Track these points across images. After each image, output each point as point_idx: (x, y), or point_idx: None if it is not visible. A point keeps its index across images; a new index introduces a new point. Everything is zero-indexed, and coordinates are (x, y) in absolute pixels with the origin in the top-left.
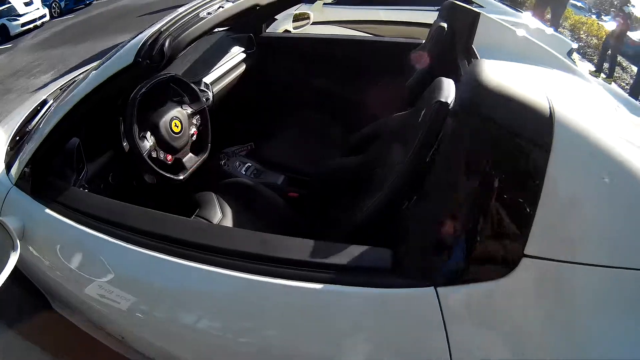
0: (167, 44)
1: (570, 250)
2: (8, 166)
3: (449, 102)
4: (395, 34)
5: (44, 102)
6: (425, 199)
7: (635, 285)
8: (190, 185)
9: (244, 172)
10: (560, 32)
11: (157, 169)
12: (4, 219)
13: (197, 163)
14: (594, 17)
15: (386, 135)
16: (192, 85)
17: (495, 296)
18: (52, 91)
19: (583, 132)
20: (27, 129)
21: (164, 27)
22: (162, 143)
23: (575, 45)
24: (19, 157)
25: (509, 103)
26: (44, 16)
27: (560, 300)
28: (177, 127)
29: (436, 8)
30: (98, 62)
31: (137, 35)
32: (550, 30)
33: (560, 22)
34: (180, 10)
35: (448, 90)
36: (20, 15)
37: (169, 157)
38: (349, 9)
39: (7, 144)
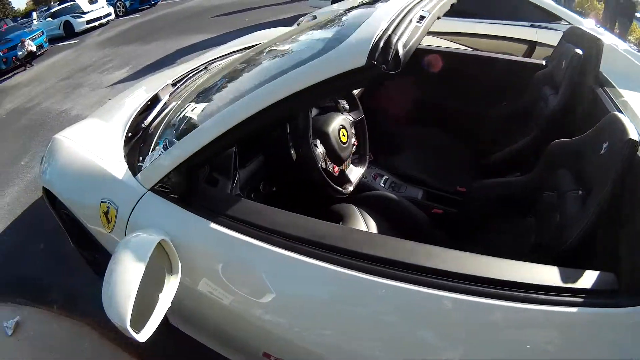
0: (401, 49)
1: None
2: (132, 166)
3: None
4: (492, 48)
5: (156, 99)
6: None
7: None
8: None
9: (382, 185)
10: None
11: (329, 181)
12: (164, 238)
13: (359, 176)
14: None
15: (549, 160)
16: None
17: None
18: (162, 87)
19: None
20: (143, 126)
21: (389, 30)
22: (330, 153)
23: None
24: (151, 160)
25: None
26: (109, 14)
27: None
28: (344, 136)
29: (530, 24)
30: (231, 59)
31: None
32: (624, 45)
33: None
34: (392, 11)
35: (631, 128)
36: (85, 13)
37: (336, 168)
38: (445, 20)
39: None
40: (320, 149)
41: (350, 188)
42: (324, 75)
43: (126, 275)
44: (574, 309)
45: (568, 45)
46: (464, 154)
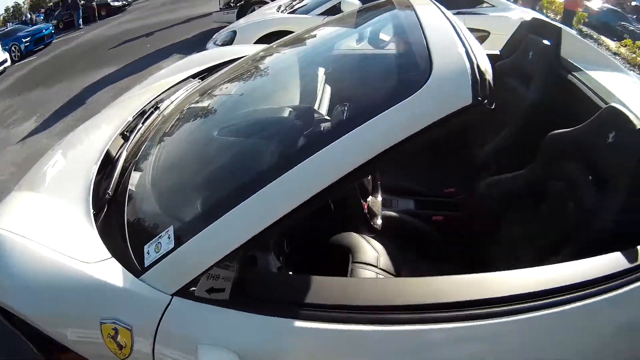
0: (490, 78)
1: None
2: (125, 263)
3: None
4: None
5: (109, 158)
6: None
7: None
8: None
9: None
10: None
11: (369, 219)
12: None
13: (380, 205)
14: None
15: (550, 151)
16: None
17: None
18: (109, 141)
19: None
20: (108, 197)
21: (471, 54)
22: (360, 187)
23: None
24: (161, 252)
25: None
26: (5, 61)
27: None
28: None
29: (456, 11)
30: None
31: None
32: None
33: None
34: (445, 26)
35: (634, 118)
36: None
37: (365, 204)
38: None
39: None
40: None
41: (379, 221)
42: (423, 120)
43: None
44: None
45: (532, 37)
46: (440, 154)
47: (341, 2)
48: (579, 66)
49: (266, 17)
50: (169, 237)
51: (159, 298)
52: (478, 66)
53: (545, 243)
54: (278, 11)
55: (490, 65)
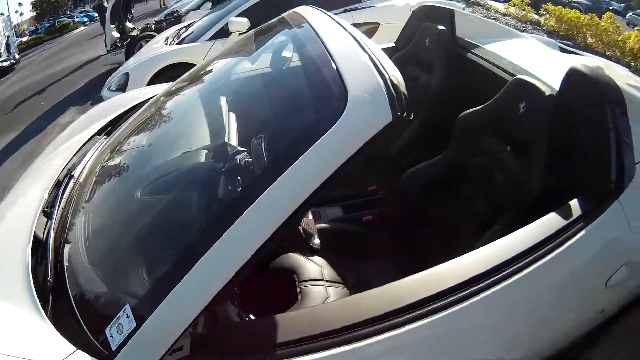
0: (404, 89)
1: None
2: (93, 351)
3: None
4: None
5: (37, 239)
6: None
7: None
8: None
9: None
10: None
11: (307, 241)
12: None
13: (313, 224)
14: None
15: (466, 131)
16: None
17: None
18: (36, 220)
19: None
20: (50, 283)
21: (380, 66)
22: None
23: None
24: (127, 328)
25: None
26: None
27: None
28: None
29: (342, 9)
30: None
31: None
32: None
33: None
34: (375, 51)
35: (544, 87)
36: None
37: (299, 227)
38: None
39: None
40: None
41: (317, 240)
42: (350, 148)
43: None
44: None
45: (426, 24)
46: None
47: (229, 23)
48: (477, 43)
49: (156, 52)
50: (127, 317)
51: None
52: (391, 80)
53: (478, 219)
54: (166, 44)
55: (399, 73)
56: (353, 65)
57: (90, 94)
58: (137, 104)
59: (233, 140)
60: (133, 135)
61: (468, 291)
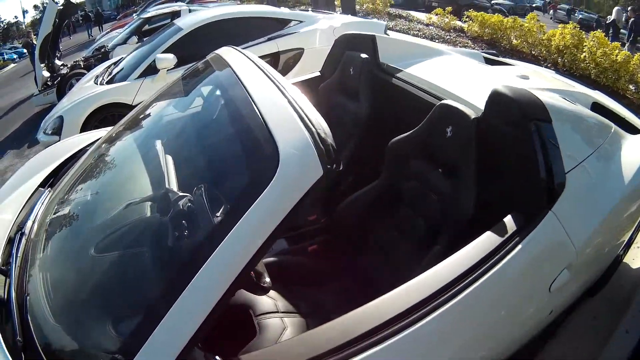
0: (331, 140)
1: None
2: None
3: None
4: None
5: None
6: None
7: None
8: None
9: None
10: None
11: (258, 282)
12: None
13: (262, 262)
14: None
15: (396, 156)
16: None
17: None
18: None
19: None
20: (21, 343)
21: (305, 119)
22: None
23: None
24: None
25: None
26: None
27: None
28: None
29: (267, 37)
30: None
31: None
32: (359, 18)
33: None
34: (298, 99)
35: (469, 111)
36: None
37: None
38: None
39: None
40: None
41: (268, 279)
42: (291, 200)
43: None
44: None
45: (349, 53)
46: None
47: (156, 60)
48: (400, 67)
49: (87, 93)
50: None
51: None
52: (318, 133)
53: (419, 240)
54: (96, 83)
55: (325, 123)
56: (281, 118)
57: (26, 137)
58: (77, 151)
59: (174, 185)
60: (78, 185)
61: (418, 314)
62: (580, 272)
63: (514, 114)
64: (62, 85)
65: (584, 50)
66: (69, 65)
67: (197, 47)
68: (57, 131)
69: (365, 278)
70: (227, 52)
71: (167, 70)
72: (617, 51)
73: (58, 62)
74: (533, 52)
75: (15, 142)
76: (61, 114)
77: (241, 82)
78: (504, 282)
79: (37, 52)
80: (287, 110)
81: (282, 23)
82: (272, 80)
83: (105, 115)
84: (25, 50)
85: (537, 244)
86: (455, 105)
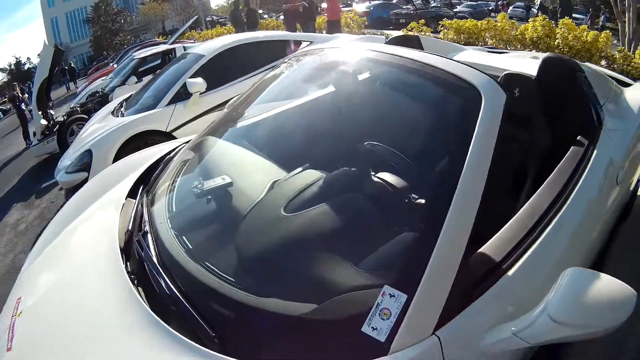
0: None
1: None
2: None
3: None
4: None
5: None
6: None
7: None
8: None
9: None
10: None
11: None
12: None
13: None
14: None
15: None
16: None
17: None
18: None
19: None
20: None
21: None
22: None
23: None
24: (403, 319)
25: None
26: None
27: None
28: None
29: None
30: None
31: None
32: (359, 36)
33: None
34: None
35: (528, 74)
36: None
37: None
38: (230, 87)
39: None
40: None
41: None
42: (496, 130)
43: None
44: None
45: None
46: None
47: (187, 84)
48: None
49: (113, 124)
50: (391, 296)
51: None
52: (484, 72)
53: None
54: (116, 116)
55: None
56: (459, 69)
57: (30, 188)
58: (162, 157)
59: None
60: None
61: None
62: (626, 175)
63: (564, 69)
64: (63, 131)
65: (557, 37)
66: (63, 115)
67: (220, 71)
68: (86, 167)
69: None
70: (344, 42)
71: (200, 93)
72: (585, 33)
73: (51, 112)
74: (509, 48)
75: (19, 195)
76: (89, 148)
77: (403, 57)
78: (594, 181)
79: (34, 101)
80: (453, 63)
81: (295, 45)
82: (412, 51)
83: (139, 144)
84: (8, 107)
85: (602, 153)
86: (517, 71)
